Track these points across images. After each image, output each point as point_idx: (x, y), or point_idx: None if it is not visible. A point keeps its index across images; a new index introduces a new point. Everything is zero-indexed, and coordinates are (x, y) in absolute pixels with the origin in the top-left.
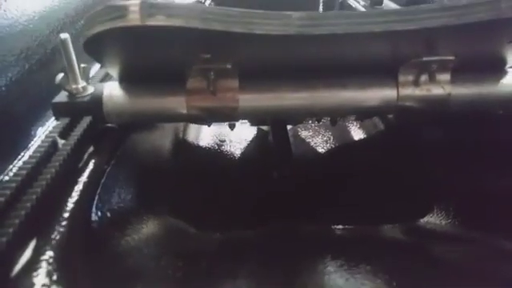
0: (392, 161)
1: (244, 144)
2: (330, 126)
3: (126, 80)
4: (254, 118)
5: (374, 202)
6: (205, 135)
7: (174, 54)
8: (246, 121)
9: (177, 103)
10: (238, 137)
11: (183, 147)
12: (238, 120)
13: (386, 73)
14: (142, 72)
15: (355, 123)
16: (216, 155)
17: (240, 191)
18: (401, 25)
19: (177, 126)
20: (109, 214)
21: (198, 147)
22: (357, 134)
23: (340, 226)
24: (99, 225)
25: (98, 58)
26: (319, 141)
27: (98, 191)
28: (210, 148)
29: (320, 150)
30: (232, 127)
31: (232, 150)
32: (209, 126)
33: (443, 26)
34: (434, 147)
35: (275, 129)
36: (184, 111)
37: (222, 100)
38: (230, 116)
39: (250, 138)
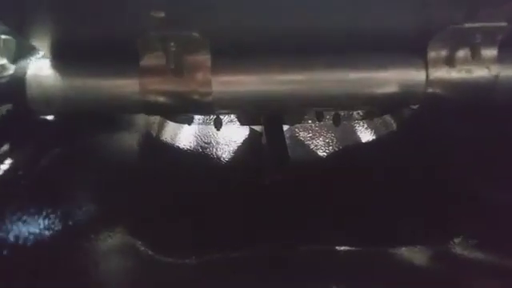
0: (409, 170)
1: (232, 147)
2: (332, 126)
3: (58, 56)
4: (233, 108)
5: (386, 219)
6: (185, 136)
7: (120, 15)
8: (235, 119)
9: (127, 87)
10: (226, 138)
11: (155, 150)
12: (211, 111)
13: (411, 48)
14: (80, 45)
15: (362, 123)
16: (198, 160)
17: (225, 204)
18: None
19: (149, 122)
20: (40, 237)
21: (176, 150)
22: (365, 135)
23: (345, 248)
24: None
25: (16, 25)
26: (320, 144)
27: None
28: (190, 151)
29: (322, 154)
30: (218, 126)
31: (218, 153)
32: (189, 124)
33: None
34: (464, 152)
35: (269, 129)
36: (137, 97)
37: (189, 82)
38: (200, 105)
39: (239, 140)
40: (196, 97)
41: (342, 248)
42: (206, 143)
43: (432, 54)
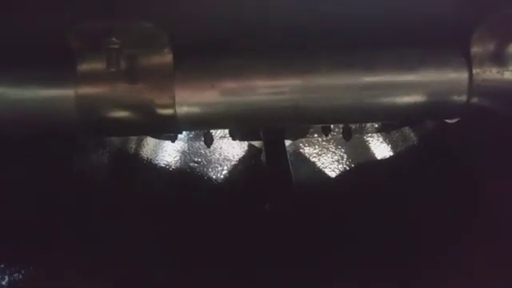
0: (436, 193)
1: (227, 166)
2: (342, 140)
3: None
4: (204, 124)
5: (414, 261)
6: (169, 154)
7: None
8: (227, 134)
9: (60, 98)
10: (219, 156)
11: (131, 174)
12: (174, 128)
13: (447, 41)
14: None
15: (377, 136)
16: (184, 185)
17: (215, 238)
18: None
19: (124, 138)
20: None
21: (157, 173)
22: (380, 151)
23: None
24: None
25: None
26: (328, 161)
27: None
28: (175, 173)
29: (330, 174)
30: (208, 142)
31: (209, 175)
32: (172, 141)
33: None
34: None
35: (269, 145)
36: (73, 112)
37: (144, 91)
38: (160, 120)
39: (235, 158)
40: (154, 109)
41: None
42: (195, 163)
43: (476, 49)
